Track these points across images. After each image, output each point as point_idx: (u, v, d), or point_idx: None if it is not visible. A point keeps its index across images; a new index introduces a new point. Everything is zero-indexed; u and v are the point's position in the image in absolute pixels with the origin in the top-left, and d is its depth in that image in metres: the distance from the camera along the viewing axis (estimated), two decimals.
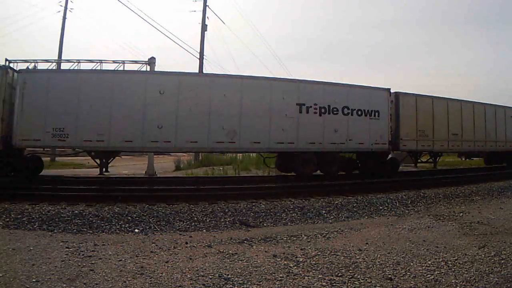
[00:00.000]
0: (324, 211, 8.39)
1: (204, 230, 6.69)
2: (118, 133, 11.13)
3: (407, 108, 14.78)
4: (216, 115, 11.65)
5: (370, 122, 13.69)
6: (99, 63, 12.95)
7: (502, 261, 4.45)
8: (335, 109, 13.13)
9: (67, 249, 4.81)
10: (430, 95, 16.08)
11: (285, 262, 4.41)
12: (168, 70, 12.66)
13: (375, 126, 13.78)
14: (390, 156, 15.49)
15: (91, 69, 12.65)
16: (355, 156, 14.95)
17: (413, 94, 15.39)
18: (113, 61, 13.26)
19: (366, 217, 8.11)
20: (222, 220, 7.38)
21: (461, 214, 7.74)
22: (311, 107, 12.75)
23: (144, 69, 13.74)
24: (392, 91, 14.69)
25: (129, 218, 7.15)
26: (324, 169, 13.40)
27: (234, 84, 12.08)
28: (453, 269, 4.16)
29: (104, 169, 12.35)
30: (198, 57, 23.40)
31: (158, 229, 6.63)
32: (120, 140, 11.20)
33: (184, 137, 11.50)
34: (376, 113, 13.80)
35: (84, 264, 4.18)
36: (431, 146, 15.65)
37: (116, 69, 12.81)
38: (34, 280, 3.61)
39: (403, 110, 14.64)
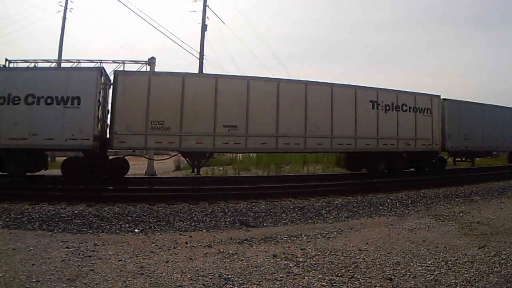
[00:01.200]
0: (324, 211, 8.39)
1: (204, 230, 6.68)
2: None
3: (131, 92, 11.37)
4: None
5: (65, 112, 10.88)
6: (99, 63, 12.99)
7: (502, 261, 4.45)
8: (16, 99, 10.83)
9: (67, 249, 4.81)
10: (180, 71, 12.02)
11: (285, 262, 4.41)
12: None
13: (73, 117, 10.89)
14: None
15: None
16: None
17: (144, 72, 12.06)
18: (113, 61, 13.32)
19: (366, 217, 8.10)
20: (222, 220, 7.38)
21: (461, 214, 7.73)
22: None
23: (144, 69, 13.76)
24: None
25: (129, 218, 7.15)
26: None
27: None
28: (453, 269, 4.16)
29: None
30: (198, 57, 23.41)
31: (158, 229, 6.63)
32: None
33: None
34: (76, 100, 10.91)
35: (84, 264, 4.18)
36: (175, 143, 11.61)
37: (116, 69, 12.84)
38: (34, 280, 3.61)
39: (123, 95, 11.28)
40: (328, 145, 13.34)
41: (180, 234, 6.19)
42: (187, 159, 12.70)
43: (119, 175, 11.95)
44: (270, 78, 13.07)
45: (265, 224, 7.30)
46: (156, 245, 5.20)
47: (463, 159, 19.08)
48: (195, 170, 13.03)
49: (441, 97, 16.30)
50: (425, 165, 16.11)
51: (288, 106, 12.66)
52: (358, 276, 3.91)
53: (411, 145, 15.03)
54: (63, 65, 14.74)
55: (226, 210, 7.98)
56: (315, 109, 13.03)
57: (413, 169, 16.19)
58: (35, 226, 6.48)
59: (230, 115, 12.01)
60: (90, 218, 6.99)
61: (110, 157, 12.53)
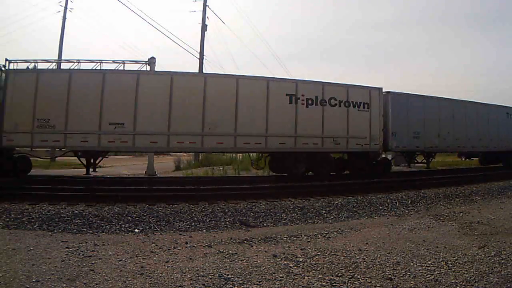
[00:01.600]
0: (324, 211, 8.39)
1: (204, 230, 6.68)
2: None
3: (20, 90, 11.35)
4: None
5: None
6: (99, 63, 12.96)
7: (502, 261, 4.45)
8: None
9: (67, 249, 4.80)
10: (68, 68, 12.05)
11: (285, 262, 4.41)
12: None
13: None
14: None
15: None
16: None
17: (33, 70, 12.01)
18: (113, 61, 13.25)
19: (366, 217, 8.11)
20: (222, 220, 7.38)
21: (461, 214, 7.73)
22: None
23: (144, 68, 13.75)
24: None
25: (129, 218, 7.15)
26: None
27: None
28: (453, 269, 4.16)
29: None
30: (198, 57, 23.45)
31: (158, 229, 6.63)
32: None
33: None
34: None
35: (84, 264, 4.17)
36: (60, 141, 11.37)
37: (116, 68, 12.83)
38: (34, 280, 3.61)
39: (12, 93, 11.30)
40: (231, 144, 12.24)
41: (180, 234, 6.18)
42: (80, 159, 12.35)
43: (15, 174, 11.60)
44: (162, 71, 12.37)
45: (265, 224, 7.30)
46: (156, 245, 5.20)
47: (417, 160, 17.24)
48: (90, 170, 12.52)
49: (384, 90, 14.34)
50: (363, 167, 13.94)
51: (183, 101, 11.80)
52: (358, 276, 3.91)
53: (342, 145, 13.37)
54: (62, 65, 14.71)
55: (226, 210, 7.98)
56: (216, 104, 12.02)
57: (347, 172, 14.31)
58: (35, 226, 6.47)
59: (117, 112, 11.47)
60: (90, 218, 6.99)
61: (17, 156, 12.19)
